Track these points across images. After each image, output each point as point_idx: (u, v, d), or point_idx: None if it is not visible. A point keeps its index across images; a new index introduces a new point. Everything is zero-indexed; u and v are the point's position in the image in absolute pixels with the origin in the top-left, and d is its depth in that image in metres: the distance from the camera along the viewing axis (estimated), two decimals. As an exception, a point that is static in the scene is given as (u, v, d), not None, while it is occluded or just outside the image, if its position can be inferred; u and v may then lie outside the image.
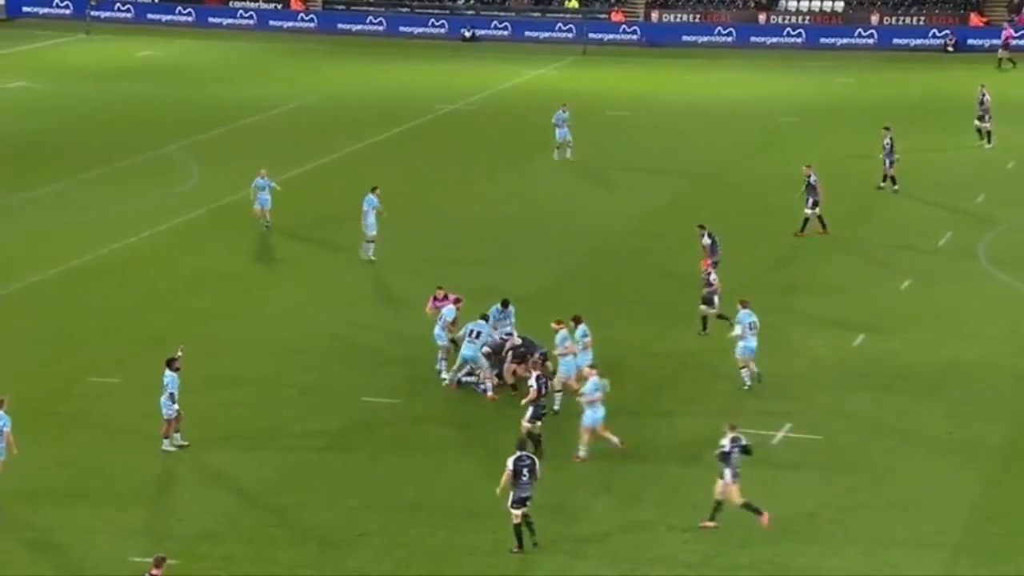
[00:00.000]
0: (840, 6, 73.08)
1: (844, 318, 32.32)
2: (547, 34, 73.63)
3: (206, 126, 52.49)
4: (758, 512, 22.53)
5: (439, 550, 22.31)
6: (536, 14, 75.46)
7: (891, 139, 42.11)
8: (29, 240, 38.46)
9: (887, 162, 42.22)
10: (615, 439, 25.05)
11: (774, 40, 71.39)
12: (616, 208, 41.51)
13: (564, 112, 47.25)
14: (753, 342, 27.94)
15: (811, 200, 37.75)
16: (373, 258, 35.77)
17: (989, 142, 47.61)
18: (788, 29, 72.12)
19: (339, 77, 63.96)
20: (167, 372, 25.51)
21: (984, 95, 47.85)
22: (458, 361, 28.04)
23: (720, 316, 30.37)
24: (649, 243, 38.18)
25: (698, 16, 73.95)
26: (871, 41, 70.67)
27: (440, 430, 26.63)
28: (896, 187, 42.17)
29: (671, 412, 27.43)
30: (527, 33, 74.17)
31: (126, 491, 24.17)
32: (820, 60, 67.55)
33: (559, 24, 74.06)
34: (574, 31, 72.89)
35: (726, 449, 22.56)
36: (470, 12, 76.31)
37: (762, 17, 72.99)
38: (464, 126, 53.46)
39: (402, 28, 75.49)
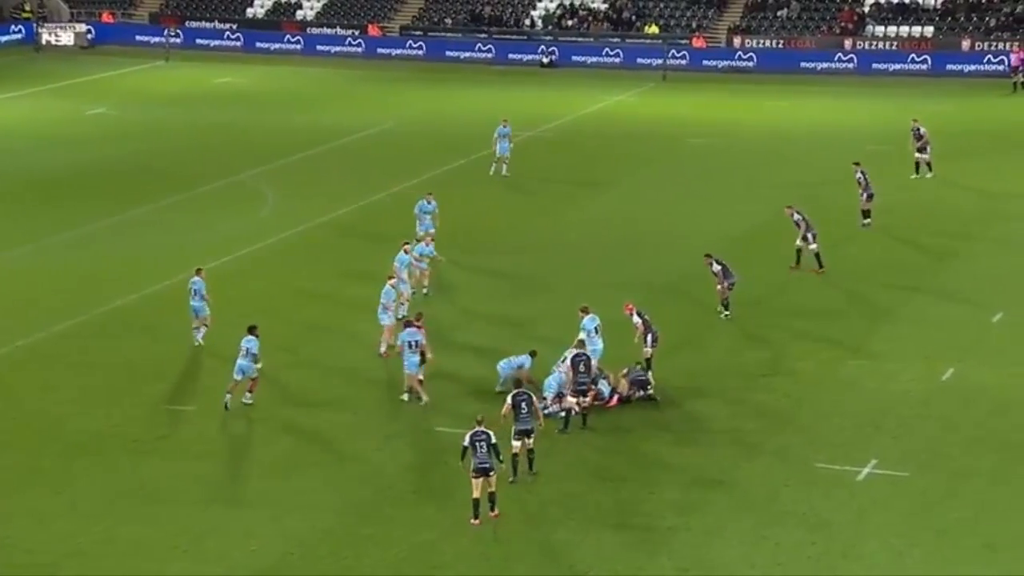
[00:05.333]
0: (930, 31, 72.33)
1: (933, 351, 31.85)
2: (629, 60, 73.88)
3: (283, 152, 53.18)
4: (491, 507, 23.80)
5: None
6: (615, 39, 75.70)
7: (863, 173, 41.36)
8: (110, 265, 39.12)
9: (864, 196, 41.29)
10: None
11: (851, 67, 70.90)
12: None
13: (505, 127, 48.17)
14: (599, 344, 28.76)
15: (810, 235, 37.31)
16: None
17: (930, 171, 46.71)
18: (872, 54, 71.59)
19: (416, 103, 64.54)
20: (248, 336, 28.44)
21: (918, 128, 47.13)
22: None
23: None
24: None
25: (781, 42, 73.63)
26: (963, 68, 69.71)
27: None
28: (867, 221, 41.27)
29: (755, 445, 27.17)
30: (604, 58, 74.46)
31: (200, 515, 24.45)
32: (910, 87, 66.92)
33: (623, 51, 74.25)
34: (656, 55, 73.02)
35: (465, 444, 23.93)
36: (548, 37, 76.73)
37: (848, 43, 72.47)
38: (542, 152, 53.60)
39: (467, 54, 76.08)
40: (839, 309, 35.00)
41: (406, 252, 33.75)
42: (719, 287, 33.97)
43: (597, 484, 25.50)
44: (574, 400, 27.58)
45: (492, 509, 24.14)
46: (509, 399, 25.28)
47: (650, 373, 29.31)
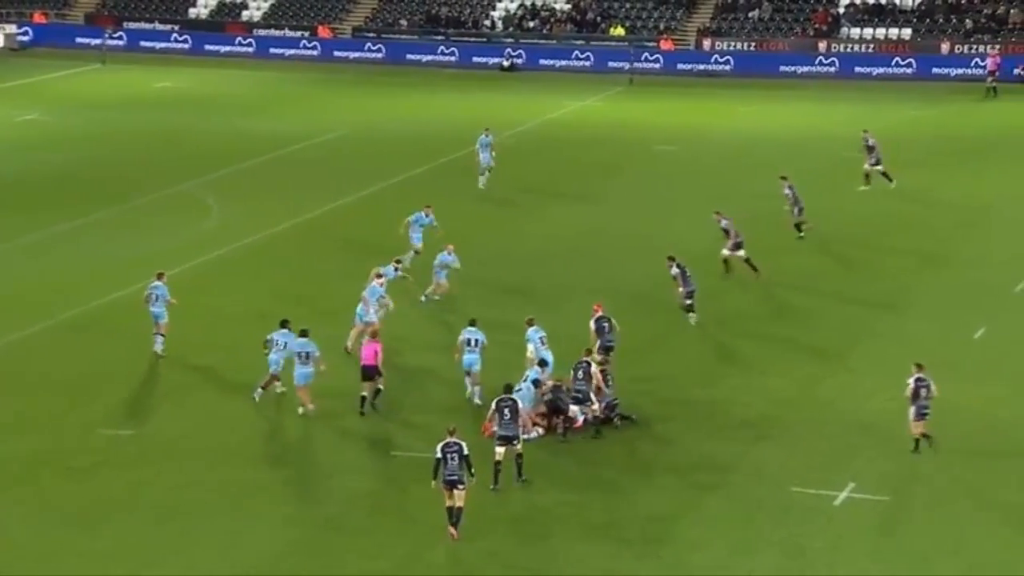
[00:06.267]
0: (908, 33, 73.06)
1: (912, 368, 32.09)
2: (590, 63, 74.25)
3: (228, 161, 53.10)
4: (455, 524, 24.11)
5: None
6: (580, 42, 76.01)
7: (791, 187, 41.74)
8: (38, 284, 38.85)
9: (795, 210, 41.63)
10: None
11: (831, 70, 71.51)
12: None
13: (487, 136, 48.43)
14: (548, 355, 29.28)
15: (736, 243, 37.78)
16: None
17: (891, 181, 47.08)
18: (841, 57, 72.19)
19: (371, 108, 64.65)
20: (281, 330, 29.73)
21: (868, 139, 47.56)
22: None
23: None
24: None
25: (754, 44, 74.16)
26: (941, 71, 70.41)
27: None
28: (802, 234, 41.72)
29: (728, 467, 27.31)
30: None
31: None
32: (886, 91, 67.53)
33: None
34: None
35: (437, 455, 24.18)
36: (509, 40, 76.94)
37: (823, 45, 73.08)
38: (504, 159, 53.68)
39: (429, 57, 76.19)
40: (814, 325, 35.27)
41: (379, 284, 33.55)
42: (679, 291, 34.73)
43: (557, 514, 25.51)
44: (576, 408, 28.19)
45: (455, 526, 24.14)
46: (493, 404, 26.15)
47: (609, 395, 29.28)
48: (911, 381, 27.60)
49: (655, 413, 29.64)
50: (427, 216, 39.22)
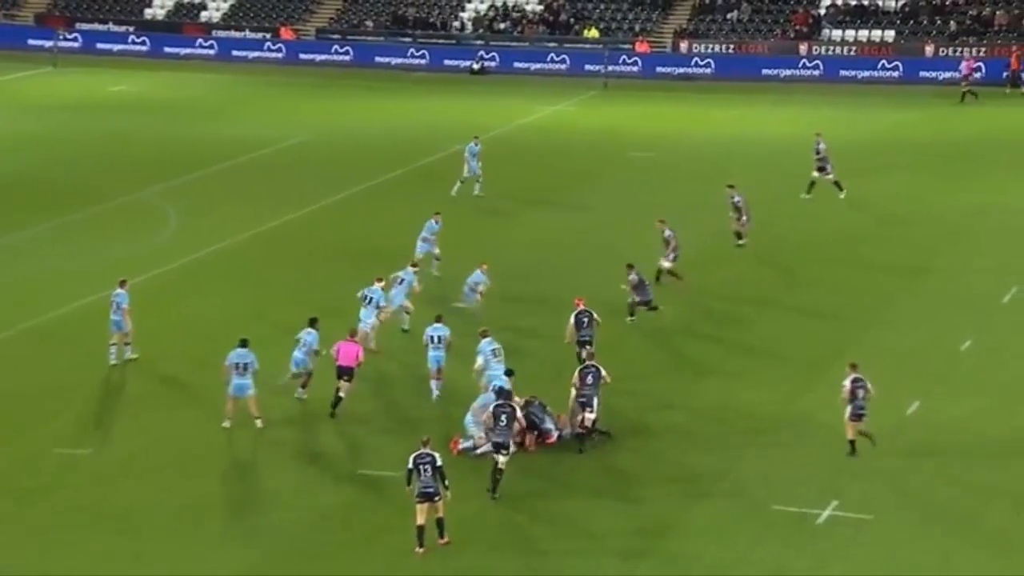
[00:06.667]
0: (891, 35, 73.55)
1: (897, 382, 32.29)
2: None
3: (188, 167, 52.98)
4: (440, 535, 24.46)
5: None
6: (552, 44, 76.21)
7: (739, 196, 41.80)
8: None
9: (742, 218, 41.73)
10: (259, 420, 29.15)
11: (816, 73, 71.95)
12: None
13: (476, 145, 48.78)
14: (499, 368, 29.54)
15: (673, 254, 38.13)
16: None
17: (840, 191, 47.17)
18: (823, 60, 72.64)
19: (336, 112, 64.65)
20: (309, 329, 30.43)
21: (819, 143, 47.64)
22: None
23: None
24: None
25: (732, 46, 74.53)
26: (929, 74, 70.65)
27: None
28: (742, 242, 41.85)
29: (706, 485, 27.43)
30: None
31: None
32: (871, 95, 67.97)
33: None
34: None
35: (410, 466, 24.44)
36: (479, 42, 77.09)
37: (803, 47, 73.49)
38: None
39: (399, 60, 76.27)
40: (795, 337, 35.43)
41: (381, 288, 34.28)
42: (633, 298, 35.52)
43: (533, 534, 25.58)
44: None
45: (441, 536, 24.38)
46: (491, 409, 26.91)
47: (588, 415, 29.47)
48: (847, 382, 28.19)
49: (632, 427, 29.74)
50: (436, 223, 39.81)
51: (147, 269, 40.39)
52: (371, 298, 33.51)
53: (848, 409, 28.20)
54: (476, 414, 28.33)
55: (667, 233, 38.47)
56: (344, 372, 30.05)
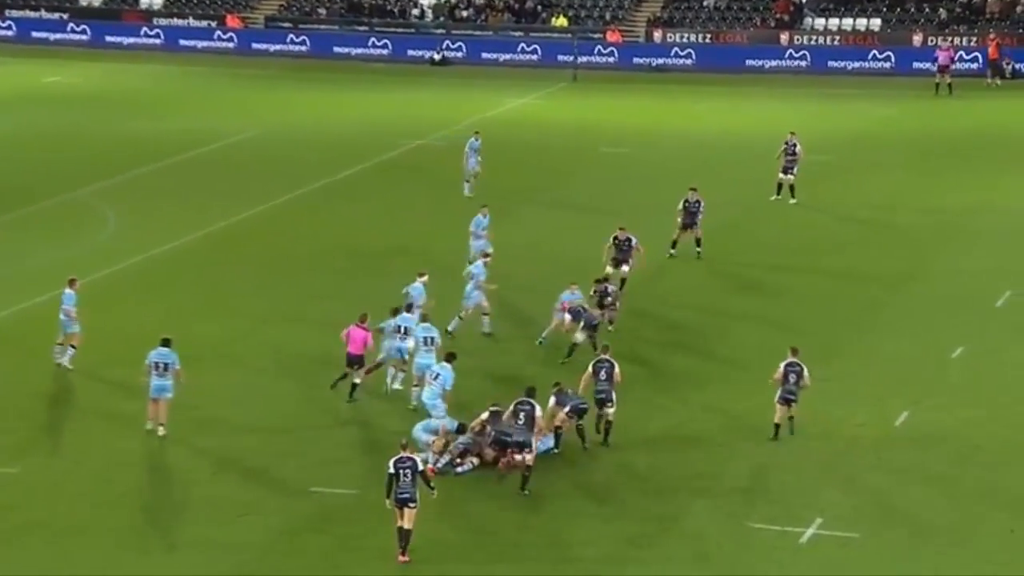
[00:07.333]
0: (877, 23, 73.71)
1: (886, 391, 32.31)
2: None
3: (128, 164, 52.59)
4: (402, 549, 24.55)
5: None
6: (518, 33, 76.16)
7: (699, 199, 41.51)
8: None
9: (691, 225, 41.54)
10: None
11: (802, 64, 72.06)
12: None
13: (476, 141, 48.94)
14: (429, 359, 30.12)
15: (625, 264, 38.04)
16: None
17: (793, 196, 47.05)
18: (808, 50, 72.72)
19: (291, 106, 64.44)
20: (403, 315, 31.38)
21: (794, 143, 47.42)
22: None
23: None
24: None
25: (709, 36, 74.61)
26: (922, 66, 70.12)
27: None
28: (699, 249, 41.69)
29: (682, 501, 27.32)
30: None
31: None
32: (859, 86, 68.18)
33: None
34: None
35: (390, 471, 24.66)
36: (439, 31, 76.95)
37: (784, 37, 73.58)
38: (430, 164, 53.63)
39: (358, 50, 76.12)
40: (778, 345, 35.17)
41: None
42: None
43: (503, 552, 25.43)
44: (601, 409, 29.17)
45: (403, 552, 24.38)
46: (512, 405, 27.60)
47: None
48: (782, 366, 29.49)
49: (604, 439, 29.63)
50: (484, 217, 39.58)
51: (85, 273, 39.90)
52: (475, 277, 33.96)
53: (777, 392, 29.33)
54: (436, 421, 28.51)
55: (634, 242, 38.12)
56: (354, 360, 30.93)
